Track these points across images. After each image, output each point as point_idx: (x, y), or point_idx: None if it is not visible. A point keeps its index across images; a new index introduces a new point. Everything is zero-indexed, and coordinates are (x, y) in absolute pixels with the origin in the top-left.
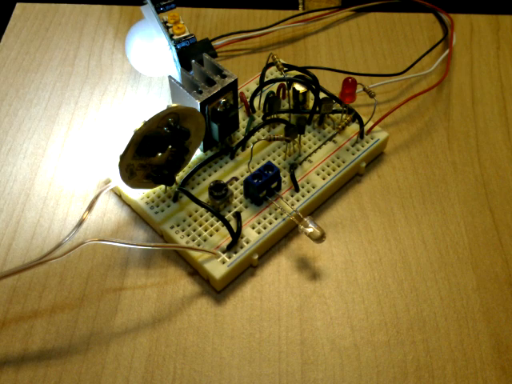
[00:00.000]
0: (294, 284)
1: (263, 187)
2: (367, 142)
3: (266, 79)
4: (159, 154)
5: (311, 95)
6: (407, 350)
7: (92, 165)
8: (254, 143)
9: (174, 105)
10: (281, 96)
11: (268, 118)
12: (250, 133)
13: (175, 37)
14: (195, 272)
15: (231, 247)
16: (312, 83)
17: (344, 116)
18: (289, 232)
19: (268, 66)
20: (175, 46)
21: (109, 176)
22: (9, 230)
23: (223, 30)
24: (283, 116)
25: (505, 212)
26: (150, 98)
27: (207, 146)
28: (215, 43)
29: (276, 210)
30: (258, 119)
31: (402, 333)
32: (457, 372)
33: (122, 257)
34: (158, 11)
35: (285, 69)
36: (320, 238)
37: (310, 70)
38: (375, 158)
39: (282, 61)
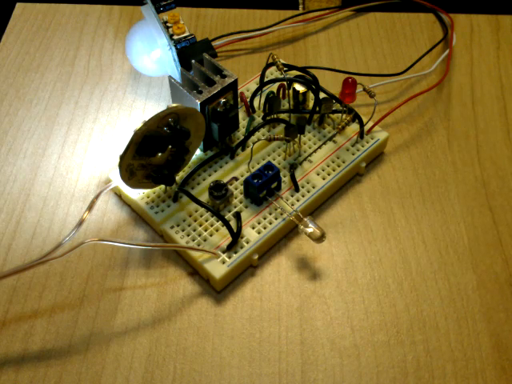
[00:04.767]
0: (293, 284)
1: (263, 187)
2: (367, 142)
3: (266, 79)
4: (159, 154)
5: (311, 95)
6: (407, 350)
7: (92, 165)
8: (254, 143)
9: (174, 105)
10: (281, 96)
11: (268, 118)
12: (250, 133)
13: (175, 37)
14: (195, 272)
15: (231, 247)
16: (312, 83)
17: (344, 116)
18: (289, 232)
19: (268, 65)
20: (175, 45)
21: (109, 176)
22: (9, 230)
23: (223, 30)
24: (283, 116)
25: (505, 212)
26: (149, 97)
27: (207, 146)
28: (215, 43)
29: (276, 210)
30: (258, 119)
31: (402, 333)
32: (457, 372)
33: (121, 257)
34: (158, 11)
35: (285, 69)
36: (320, 238)
37: (310, 69)
38: (375, 158)
39: (282, 61)
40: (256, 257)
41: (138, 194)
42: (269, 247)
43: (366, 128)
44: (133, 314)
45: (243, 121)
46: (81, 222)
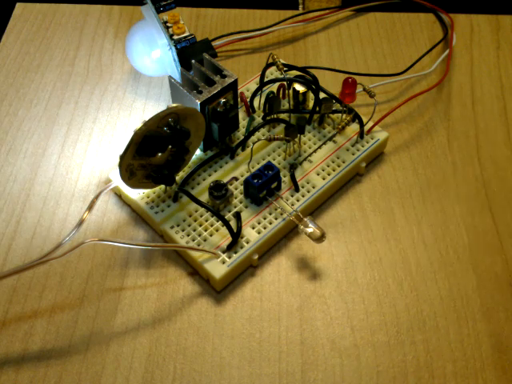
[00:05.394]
0: (294, 284)
1: (263, 187)
2: (367, 142)
3: (266, 79)
4: (159, 154)
5: (311, 95)
6: (407, 350)
7: (92, 165)
8: (254, 143)
9: (174, 105)
10: (281, 96)
11: (268, 118)
12: (250, 133)
13: (175, 37)
14: (195, 272)
15: (231, 247)
16: (312, 83)
17: (344, 116)
18: (289, 232)
19: (268, 65)
20: (175, 45)
21: (109, 176)
22: (9, 230)
23: (223, 30)
24: (283, 116)
25: (505, 212)
26: (149, 98)
27: (207, 146)
28: (215, 43)
29: (276, 210)
30: (258, 119)
31: (402, 333)
32: (457, 372)
33: (121, 257)
34: (158, 11)
35: (285, 69)
36: (320, 238)
37: (310, 69)
38: (375, 158)
39: (282, 61)
40: (256, 257)
41: (137, 194)
42: (269, 247)
43: (366, 128)
44: (133, 314)
45: (243, 121)
46: (81, 222)
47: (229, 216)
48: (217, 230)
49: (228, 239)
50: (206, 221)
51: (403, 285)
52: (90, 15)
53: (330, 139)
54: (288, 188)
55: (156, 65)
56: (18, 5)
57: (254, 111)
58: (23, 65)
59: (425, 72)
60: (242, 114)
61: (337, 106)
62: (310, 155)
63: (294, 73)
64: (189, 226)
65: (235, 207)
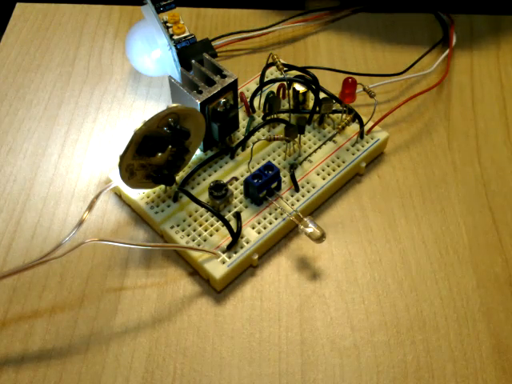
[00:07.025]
0: (293, 284)
1: (263, 187)
2: (367, 142)
3: (266, 79)
4: (159, 154)
5: (311, 95)
6: (407, 350)
7: (92, 165)
8: (254, 143)
9: (174, 105)
10: (281, 96)
11: (268, 118)
12: (250, 133)
13: (175, 37)
14: (195, 272)
15: (231, 247)
16: (312, 83)
17: (344, 116)
18: (289, 232)
19: (268, 65)
20: (175, 45)
21: (109, 176)
22: (9, 230)
23: (223, 29)
24: (283, 116)
25: (505, 212)
26: (149, 97)
27: (207, 145)
28: (215, 43)
29: (276, 210)
30: (258, 119)
31: (402, 333)
32: (457, 372)
33: (122, 257)
34: (158, 11)
35: (285, 69)
36: (320, 238)
37: (310, 69)
38: (375, 158)
39: (282, 61)
40: (256, 257)
41: (137, 194)
42: (269, 247)
43: (366, 128)
44: (133, 314)
45: (243, 121)
46: (81, 222)
47: (229, 216)
48: (217, 230)
49: (228, 239)
50: (206, 221)
51: (403, 285)
52: (89, 15)
53: (330, 139)
54: (288, 188)
55: (156, 65)
56: (17, 5)
57: (254, 111)
58: (23, 65)
59: (425, 72)
60: (242, 114)
61: (337, 106)
62: (310, 155)
63: (294, 73)
64: (189, 225)
65: (235, 207)
